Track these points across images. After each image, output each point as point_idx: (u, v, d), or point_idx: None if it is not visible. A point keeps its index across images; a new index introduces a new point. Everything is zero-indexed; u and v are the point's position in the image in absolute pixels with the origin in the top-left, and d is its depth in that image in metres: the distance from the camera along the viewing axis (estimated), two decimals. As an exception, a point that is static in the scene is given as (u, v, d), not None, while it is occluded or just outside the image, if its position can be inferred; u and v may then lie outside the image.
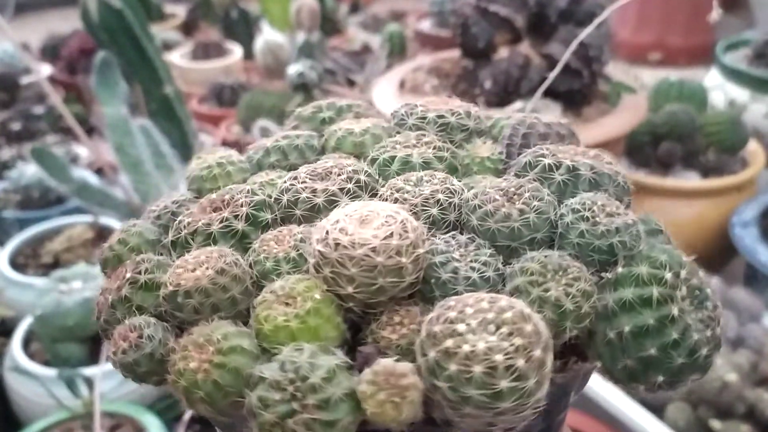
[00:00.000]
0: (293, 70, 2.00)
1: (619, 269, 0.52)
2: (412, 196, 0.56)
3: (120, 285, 0.57)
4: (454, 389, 0.44)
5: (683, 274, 0.52)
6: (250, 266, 0.56)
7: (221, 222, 0.58)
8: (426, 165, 0.61)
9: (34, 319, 1.51)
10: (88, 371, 1.43)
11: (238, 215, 0.59)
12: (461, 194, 0.57)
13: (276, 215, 0.60)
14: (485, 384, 0.43)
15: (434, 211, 0.56)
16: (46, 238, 1.86)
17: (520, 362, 0.43)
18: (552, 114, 1.58)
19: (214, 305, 0.53)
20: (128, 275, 0.57)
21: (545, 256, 0.52)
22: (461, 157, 0.65)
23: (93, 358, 1.50)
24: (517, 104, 1.66)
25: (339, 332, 0.51)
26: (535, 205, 0.54)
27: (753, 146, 1.87)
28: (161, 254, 0.61)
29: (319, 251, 0.50)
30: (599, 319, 0.52)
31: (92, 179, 2.07)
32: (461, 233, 0.56)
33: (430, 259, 0.52)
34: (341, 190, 0.58)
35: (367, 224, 0.50)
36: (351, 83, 2.61)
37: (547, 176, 0.58)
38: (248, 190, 0.60)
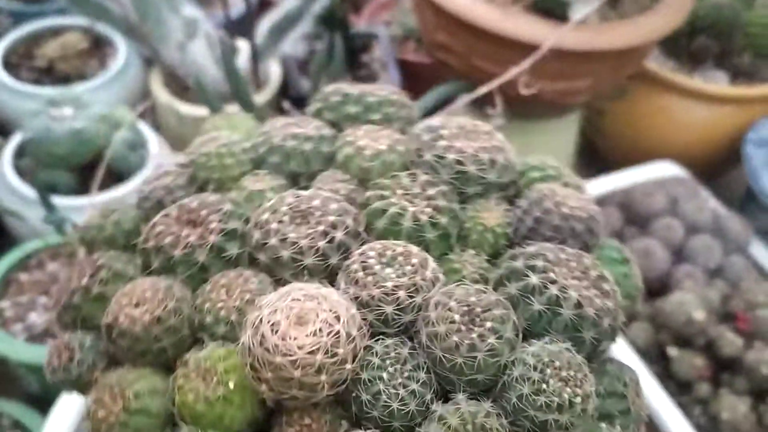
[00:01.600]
0: None
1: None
2: (374, 283, 0.53)
3: (75, 290, 0.58)
4: None
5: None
6: (195, 308, 0.56)
7: (184, 248, 0.57)
8: (417, 230, 0.57)
9: (24, 141, 1.49)
10: (78, 201, 1.45)
11: (204, 242, 0.57)
12: (426, 293, 0.54)
13: (243, 251, 0.58)
14: None
15: (389, 309, 0.53)
16: (40, 37, 1.78)
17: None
18: (590, 4, 1.45)
19: (143, 351, 0.54)
20: (84, 281, 0.57)
21: (471, 412, 0.49)
22: (463, 218, 0.61)
23: (83, 187, 1.51)
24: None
25: (248, 417, 0.52)
26: (489, 344, 0.50)
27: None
28: (132, 247, 0.60)
29: (246, 340, 0.49)
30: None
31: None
32: (410, 339, 0.53)
33: (358, 373, 0.50)
34: (311, 248, 0.55)
35: (301, 326, 0.48)
36: None
37: (527, 298, 0.54)
38: (225, 212, 0.58)
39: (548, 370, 0.50)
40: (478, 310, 0.52)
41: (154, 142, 1.56)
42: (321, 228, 0.56)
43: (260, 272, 0.56)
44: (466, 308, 0.52)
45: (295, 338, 0.47)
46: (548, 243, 0.57)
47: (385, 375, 0.51)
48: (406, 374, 0.51)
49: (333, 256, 0.56)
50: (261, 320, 0.48)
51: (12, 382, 1.40)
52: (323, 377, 0.48)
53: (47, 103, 1.48)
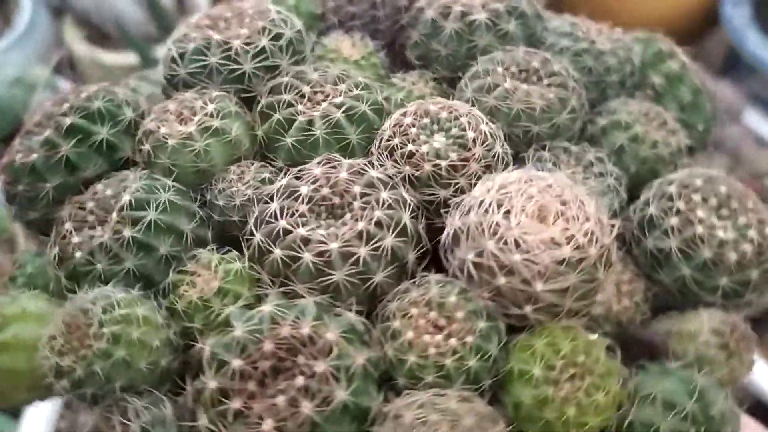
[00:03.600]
0: None
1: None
2: (467, 148, 0.50)
3: None
4: None
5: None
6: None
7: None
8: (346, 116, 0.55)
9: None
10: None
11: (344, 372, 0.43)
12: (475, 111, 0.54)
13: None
14: None
15: (499, 149, 0.51)
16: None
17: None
18: None
19: None
20: None
21: (630, 115, 0.55)
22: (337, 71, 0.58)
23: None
24: None
25: None
26: (564, 71, 0.55)
27: None
28: None
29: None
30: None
31: None
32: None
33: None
34: (409, 238, 0.48)
35: (553, 220, 0.44)
36: None
37: (498, 30, 0.59)
38: (269, 315, 0.45)
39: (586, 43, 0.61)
40: (515, 69, 0.56)
41: (80, 100, 1.38)
42: (383, 205, 0.49)
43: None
44: (518, 77, 0.55)
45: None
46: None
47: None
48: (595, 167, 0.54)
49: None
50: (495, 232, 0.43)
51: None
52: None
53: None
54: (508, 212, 0.43)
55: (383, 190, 0.47)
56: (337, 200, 0.48)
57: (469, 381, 0.43)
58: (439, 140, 0.50)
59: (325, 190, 0.48)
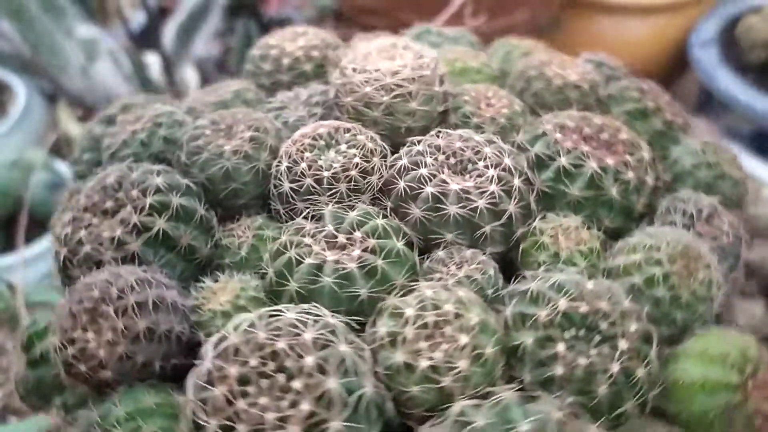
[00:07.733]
0: None
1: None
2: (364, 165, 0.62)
3: None
4: None
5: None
6: None
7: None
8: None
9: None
10: (4, 260, 1.30)
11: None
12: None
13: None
14: None
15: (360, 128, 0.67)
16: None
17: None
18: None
19: None
20: None
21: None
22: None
23: (9, 244, 1.36)
24: None
25: None
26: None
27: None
28: None
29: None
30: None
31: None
32: None
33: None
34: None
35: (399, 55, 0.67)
36: None
37: None
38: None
39: None
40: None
41: (77, 179, 1.42)
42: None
43: None
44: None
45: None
46: None
47: None
48: None
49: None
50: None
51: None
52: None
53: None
54: (376, 70, 0.65)
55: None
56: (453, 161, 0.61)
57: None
58: (332, 155, 0.62)
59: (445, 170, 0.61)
